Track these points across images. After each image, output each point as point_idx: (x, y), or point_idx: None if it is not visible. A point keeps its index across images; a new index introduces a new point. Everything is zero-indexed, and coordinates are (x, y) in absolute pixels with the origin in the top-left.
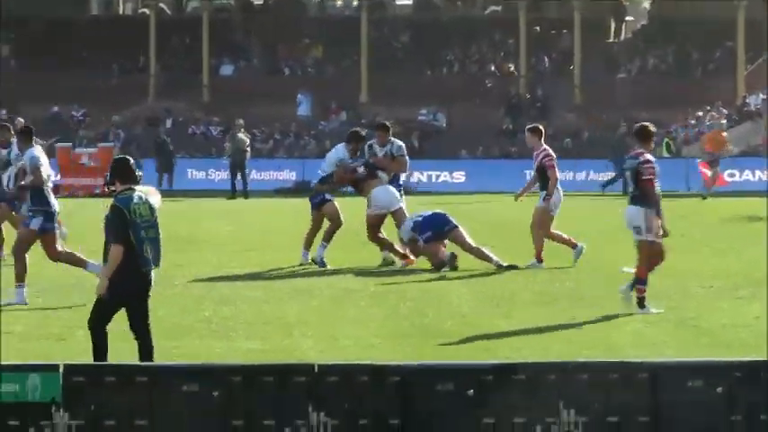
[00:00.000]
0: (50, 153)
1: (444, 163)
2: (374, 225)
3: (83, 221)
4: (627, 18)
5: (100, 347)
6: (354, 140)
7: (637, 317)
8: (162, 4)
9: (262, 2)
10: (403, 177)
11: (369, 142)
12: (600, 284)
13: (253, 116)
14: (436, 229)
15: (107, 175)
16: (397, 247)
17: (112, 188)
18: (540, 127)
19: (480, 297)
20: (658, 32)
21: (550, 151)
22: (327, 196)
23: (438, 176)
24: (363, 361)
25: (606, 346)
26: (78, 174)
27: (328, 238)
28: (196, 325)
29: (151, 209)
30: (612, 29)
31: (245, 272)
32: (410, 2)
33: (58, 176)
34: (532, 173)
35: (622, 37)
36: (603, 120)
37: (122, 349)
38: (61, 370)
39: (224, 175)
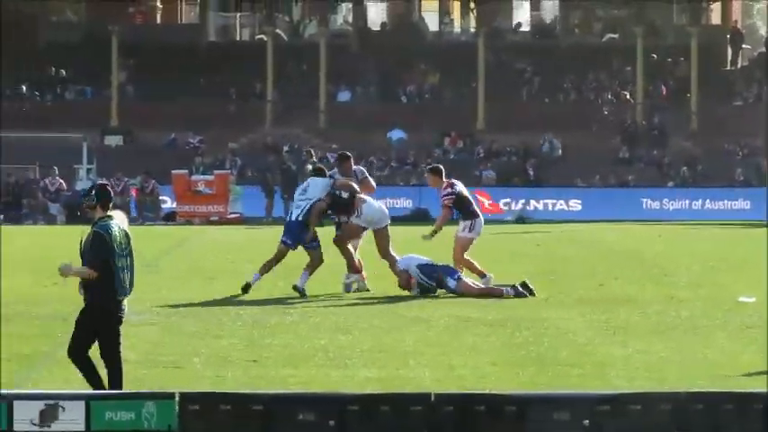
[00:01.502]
0: (167, 180)
1: (560, 191)
2: (353, 238)
3: (200, 248)
4: (744, 45)
5: (88, 371)
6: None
7: (751, 347)
8: (279, 31)
9: (379, 28)
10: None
11: (330, 172)
12: (716, 314)
13: (369, 142)
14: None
15: (90, 197)
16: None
17: (93, 212)
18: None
19: (596, 326)
20: None
21: (451, 189)
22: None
23: (554, 205)
24: (479, 390)
25: (721, 376)
26: (194, 201)
27: (312, 270)
28: (313, 353)
29: (128, 237)
30: (729, 57)
31: (360, 300)
32: (528, 29)
33: (174, 204)
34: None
35: (739, 65)
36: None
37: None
38: (177, 398)
39: None
